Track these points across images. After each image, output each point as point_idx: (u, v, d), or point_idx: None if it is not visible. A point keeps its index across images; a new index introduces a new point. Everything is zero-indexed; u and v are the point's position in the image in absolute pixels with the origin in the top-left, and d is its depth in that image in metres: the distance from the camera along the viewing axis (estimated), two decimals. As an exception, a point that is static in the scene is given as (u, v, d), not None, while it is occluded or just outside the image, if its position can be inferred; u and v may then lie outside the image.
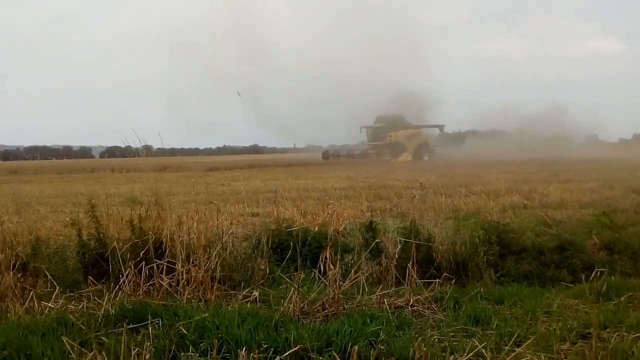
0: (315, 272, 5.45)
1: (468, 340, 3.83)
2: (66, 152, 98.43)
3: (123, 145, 6.77)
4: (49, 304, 4.71)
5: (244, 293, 5.19)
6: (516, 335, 3.80)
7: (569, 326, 4.15)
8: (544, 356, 3.52)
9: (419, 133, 53.94)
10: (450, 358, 3.39)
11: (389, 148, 50.59)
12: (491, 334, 3.98)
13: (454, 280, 5.58)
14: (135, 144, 6.64)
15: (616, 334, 3.92)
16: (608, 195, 12.64)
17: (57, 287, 5.06)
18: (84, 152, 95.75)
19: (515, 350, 3.48)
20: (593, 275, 5.53)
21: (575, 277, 6.07)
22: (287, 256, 6.31)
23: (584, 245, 7.19)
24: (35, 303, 4.75)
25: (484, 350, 3.42)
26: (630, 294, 5.00)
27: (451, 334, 4.05)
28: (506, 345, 3.66)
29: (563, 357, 3.60)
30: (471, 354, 3.43)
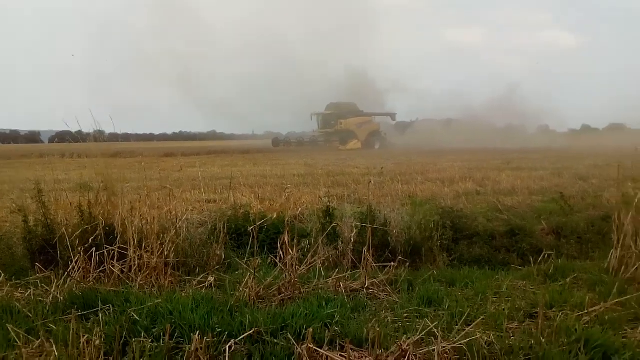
0: (272, 258, 5.44)
1: (421, 320, 3.91)
2: (13, 137, 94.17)
3: (73, 130, 6.53)
4: (-7, 292, 4.53)
5: (199, 279, 5.12)
6: (466, 315, 3.90)
7: (517, 306, 4.29)
8: (493, 334, 3.63)
9: (370, 121, 53.63)
10: (404, 338, 3.45)
11: (339, 135, 50.19)
12: (443, 314, 4.07)
13: (408, 264, 5.67)
14: (87, 128, 6.42)
15: (561, 312, 4.07)
16: (557, 182, 13.12)
17: (2, 275, 4.87)
18: (33, 137, 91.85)
19: (465, 329, 3.57)
20: (541, 258, 5.73)
21: (525, 261, 6.28)
22: (244, 242, 6.27)
23: (533, 230, 7.45)
24: (-22, 291, 4.55)
25: (435, 330, 3.50)
26: (575, 275, 5.21)
27: (405, 314, 4.13)
28: (457, 325, 3.75)
29: (511, 335, 3.72)
30: (423, 334, 3.50)
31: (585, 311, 4.02)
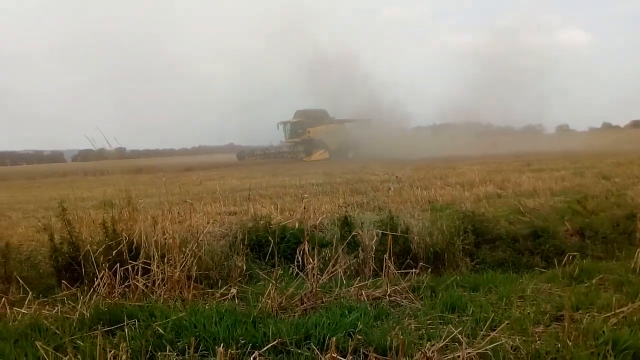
0: (293, 268, 5.45)
1: (444, 326, 3.88)
2: (37, 157, 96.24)
3: (95, 149, 6.65)
4: (22, 310, 4.62)
5: (221, 291, 5.16)
6: (491, 320, 3.86)
7: (542, 309, 4.24)
8: (518, 339, 3.58)
9: (341, 128, 48.30)
10: (427, 345, 3.43)
11: (306, 145, 45.66)
12: (467, 319, 4.04)
13: (430, 270, 5.65)
14: (108, 146, 6.53)
15: (588, 314, 4.01)
16: (579, 182, 12.93)
17: (30, 293, 4.96)
18: (56, 157, 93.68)
19: (490, 335, 3.54)
20: (565, 259, 5.64)
21: (549, 263, 6.19)
22: (265, 253, 6.30)
23: (556, 231, 7.33)
24: (7, 309, 4.66)
25: (459, 336, 3.47)
26: (601, 276, 5.13)
27: (428, 321, 4.10)
28: (481, 330, 3.72)
29: (537, 339, 3.67)
30: (447, 340, 3.48)
31: (613, 312, 3.95)
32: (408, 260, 5.97)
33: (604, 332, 3.59)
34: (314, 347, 3.53)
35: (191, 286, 5.21)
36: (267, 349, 3.53)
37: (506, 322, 3.85)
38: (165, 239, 5.51)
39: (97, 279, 5.06)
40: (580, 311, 4.16)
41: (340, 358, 3.32)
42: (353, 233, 6.15)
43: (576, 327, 3.66)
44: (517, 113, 58.95)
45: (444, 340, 3.47)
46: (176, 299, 4.98)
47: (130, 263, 5.17)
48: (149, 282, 5.14)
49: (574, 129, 72.25)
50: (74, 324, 4.21)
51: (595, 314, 4.02)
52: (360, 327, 3.85)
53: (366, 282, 5.05)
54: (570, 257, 5.71)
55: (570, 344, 3.41)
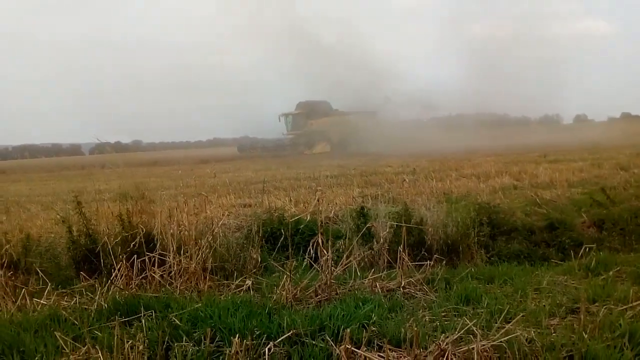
0: (308, 260, 5.47)
1: (459, 319, 3.87)
2: (55, 150, 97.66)
3: (112, 141, 6.74)
4: (41, 301, 4.71)
5: (237, 282, 5.20)
6: (506, 312, 3.84)
7: (558, 302, 4.21)
8: (533, 331, 3.56)
9: (345, 120, 46.30)
10: (442, 337, 3.43)
11: (308, 137, 44.56)
12: (482, 312, 4.02)
13: (445, 262, 5.64)
14: (124, 139, 6.61)
15: (604, 307, 3.97)
16: (597, 173, 12.76)
17: (49, 284, 5.05)
18: (74, 149, 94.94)
19: (505, 327, 3.52)
20: (582, 251, 5.59)
21: (565, 255, 6.15)
22: (280, 245, 6.33)
23: (573, 223, 7.27)
24: (27, 300, 4.75)
25: (474, 328, 3.46)
26: (618, 268, 5.08)
27: (442, 313, 4.10)
28: (496, 322, 3.70)
29: (552, 331, 3.65)
30: (462, 332, 3.47)
31: (630, 305, 3.91)
32: (422, 252, 5.96)
33: (620, 324, 3.56)
34: (329, 339, 3.55)
35: (207, 277, 5.26)
36: (282, 340, 3.56)
37: (521, 314, 3.83)
38: (181, 230, 5.57)
39: (114, 270, 5.14)
40: (596, 303, 4.13)
41: (355, 349, 3.33)
42: (368, 225, 6.15)
43: (592, 320, 3.63)
44: (534, 103, 58.07)
45: (458, 332, 3.47)
46: (192, 290, 5.04)
47: (147, 255, 5.23)
48: (165, 274, 5.19)
49: (592, 119, 71.25)
50: (92, 314, 4.28)
51: (612, 306, 3.99)
52: (375, 318, 3.86)
53: (380, 274, 5.06)
54: (587, 249, 5.66)
55: (586, 336, 3.38)
